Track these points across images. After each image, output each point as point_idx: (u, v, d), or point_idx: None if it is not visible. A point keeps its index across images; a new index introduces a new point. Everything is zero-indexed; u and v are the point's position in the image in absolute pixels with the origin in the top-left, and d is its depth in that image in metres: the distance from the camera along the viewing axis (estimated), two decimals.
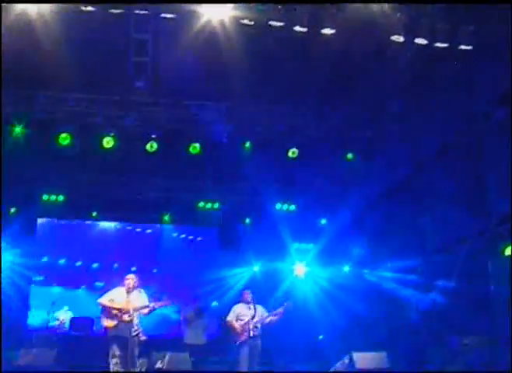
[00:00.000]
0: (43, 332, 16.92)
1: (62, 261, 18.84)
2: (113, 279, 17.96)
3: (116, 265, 19.11)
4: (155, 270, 19.40)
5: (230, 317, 12.57)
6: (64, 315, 17.08)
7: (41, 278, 18.85)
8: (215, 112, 14.32)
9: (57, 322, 16.64)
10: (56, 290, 18.73)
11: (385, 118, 14.36)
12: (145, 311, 11.36)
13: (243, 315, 12.40)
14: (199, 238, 19.46)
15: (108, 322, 11.22)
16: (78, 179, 16.31)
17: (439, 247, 14.25)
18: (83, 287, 18.81)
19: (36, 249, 18.42)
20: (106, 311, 11.31)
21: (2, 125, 13.51)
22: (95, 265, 19.15)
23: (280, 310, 12.40)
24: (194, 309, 14.09)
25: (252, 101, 13.90)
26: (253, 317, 12.32)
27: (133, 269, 18.90)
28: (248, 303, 12.60)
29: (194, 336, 13.58)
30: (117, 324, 11.12)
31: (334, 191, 16.11)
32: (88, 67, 12.49)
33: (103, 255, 19.16)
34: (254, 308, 12.47)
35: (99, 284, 18.84)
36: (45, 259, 18.76)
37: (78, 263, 19.00)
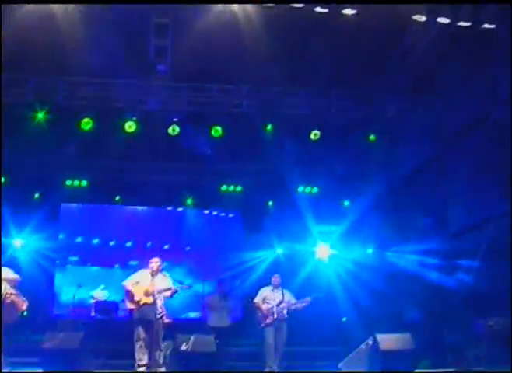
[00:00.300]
0: (69, 316, 17.10)
1: (96, 241, 18.93)
2: (147, 257, 18.13)
3: (149, 243, 19.14)
4: (188, 248, 19.40)
5: (257, 299, 12.64)
6: (100, 294, 17.21)
7: (76, 258, 19.00)
8: (237, 94, 14.29)
9: (93, 301, 16.77)
10: (91, 269, 18.88)
11: (407, 98, 14.25)
12: (168, 293, 11.43)
13: (270, 299, 12.46)
14: (222, 222, 19.43)
15: (133, 305, 11.30)
16: (101, 164, 16.37)
17: (464, 228, 14.16)
18: (117, 265, 18.88)
19: (63, 233, 18.59)
20: (131, 294, 11.39)
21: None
22: (128, 244, 19.18)
23: (308, 299, 12.44)
24: (218, 292, 14.12)
25: (273, 83, 13.84)
26: (280, 302, 12.36)
27: (166, 247, 19.01)
28: (276, 287, 12.66)
29: (219, 318, 13.61)
30: (142, 307, 11.19)
31: (356, 173, 16.03)
32: (109, 52, 12.53)
33: (135, 234, 19.18)
34: (282, 293, 12.53)
35: (133, 262, 18.93)
36: (79, 239, 18.85)
37: (112, 243, 19.07)
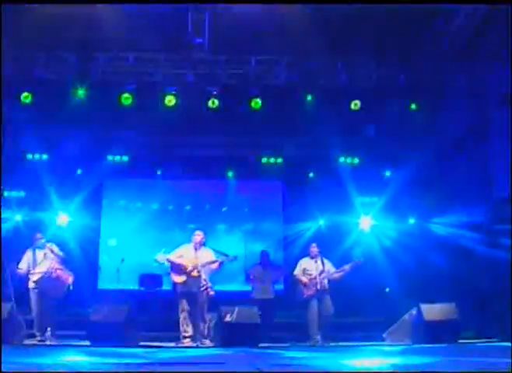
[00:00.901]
0: (114, 290, 17.35)
1: (155, 206, 19.10)
2: (206, 220, 18.29)
3: (207, 206, 19.26)
4: (246, 209, 19.47)
5: (297, 271, 12.63)
6: (162, 257, 17.37)
7: (135, 224, 19.24)
8: (276, 66, 14.21)
9: (156, 265, 16.97)
10: (151, 233, 19.13)
11: (449, 65, 14.01)
12: (214, 266, 11.52)
13: (310, 270, 12.44)
14: (263, 193, 19.43)
15: (177, 278, 11.44)
16: (142, 139, 16.47)
17: (508, 197, 13.92)
18: (176, 229, 19.05)
19: (104, 209, 18.81)
20: (176, 267, 11.51)
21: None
22: (187, 207, 19.33)
23: (346, 267, 12.36)
24: (261, 264, 14.16)
25: (312, 53, 13.71)
26: (321, 272, 12.33)
27: (224, 209, 19.10)
28: (315, 257, 12.61)
29: (262, 290, 13.67)
30: (186, 280, 11.33)
31: (397, 142, 15.86)
32: (146, 26, 12.51)
33: (192, 198, 19.28)
34: (322, 263, 12.48)
35: (191, 225, 19.10)
36: (139, 204, 19.06)
37: (170, 207, 19.23)
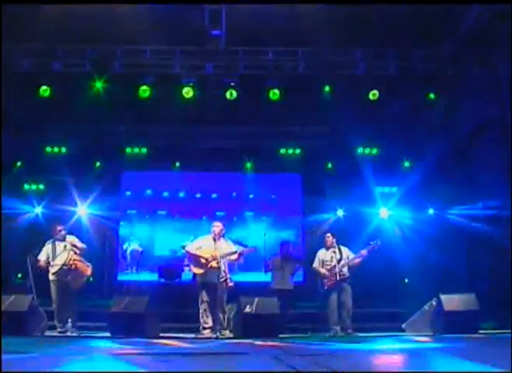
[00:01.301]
0: (134, 281, 17.50)
1: (182, 194, 19.20)
2: (233, 207, 18.36)
3: (234, 194, 19.31)
4: (273, 196, 19.50)
5: (316, 264, 12.59)
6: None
7: (164, 212, 19.36)
8: (293, 57, 14.17)
9: (183, 252, 17.15)
10: (179, 222, 19.30)
11: (468, 55, 13.90)
12: (234, 257, 11.53)
13: (328, 260, 12.38)
14: (281, 185, 19.45)
15: (197, 270, 11.47)
16: (160, 131, 16.52)
17: None
18: (205, 217, 19.15)
19: (126, 201, 18.96)
20: (195, 258, 11.53)
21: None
22: (214, 195, 19.40)
23: (363, 251, 12.27)
24: (281, 254, 14.15)
25: (330, 43, 13.65)
26: (339, 261, 12.28)
27: (251, 196, 19.15)
28: (331, 247, 12.54)
29: (281, 281, 13.67)
30: (206, 271, 11.34)
31: (416, 132, 15.78)
32: (164, 18, 12.51)
33: (219, 186, 19.36)
34: (340, 252, 12.42)
35: (219, 213, 19.19)
36: (166, 194, 19.16)
37: (198, 195, 19.32)
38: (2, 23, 11.84)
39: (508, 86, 12.96)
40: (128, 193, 19.24)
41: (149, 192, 19.17)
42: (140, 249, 19.59)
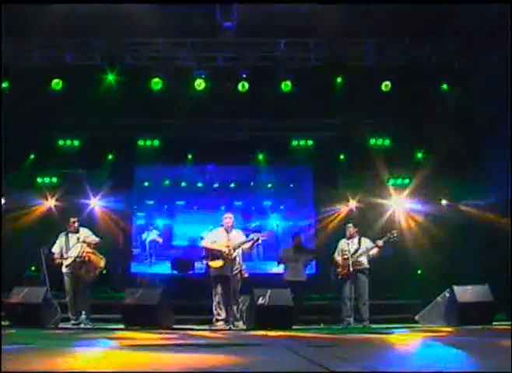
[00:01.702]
0: (147, 274, 17.58)
1: (200, 184, 19.23)
2: (251, 197, 18.39)
3: (252, 183, 19.31)
4: (291, 185, 19.51)
5: (336, 253, 12.58)
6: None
7: (182, 202, 19.42)
8: (305, 48, 14.13)
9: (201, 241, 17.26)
10: (197, 213, 19.39)
11: (480, 45, 13.81)
12: (248, 245, 11.54)
13: (346, 250, 12.36)
14: (293, 177, 19.46)
15: (216, 263, 11.43)
16: (172, 123, 16.53)
17: None
18: (223, 207, 19.20)
19: (144, 191, 19.07)
20: (212, 253, 11.51)
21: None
22: (232, 185, 19.41)
23: (379, 242, 12.22)
24: (293, 246, 14.16)
25: (341, 35, 13.59)
26: (355, 251, 12.27)
27: (269, 185, 19.17)
28: (351, 237, 12.54)
29: (294, 272, 13.68)
30: (224, 263, 11.32)
31: (429, 124, 15.69)
32: (175, 10, 12.49)
33: (236, 176, 19.40)
34: (359, 242, 12.40)
35: (237, 203, 19.22)
36: (183, 184, 19.21)
37: (216, 185, 19.34)
38: (12, 18, 11.87)
39: None
40: (146, 183, 19.33)
41: (166, 182, 19.22)
42: (160, 240, 19.68)
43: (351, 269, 12.02)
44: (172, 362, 5.18)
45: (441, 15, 12.73)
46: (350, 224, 12.76)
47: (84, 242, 11.81)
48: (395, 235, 12.20)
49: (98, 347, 7.04)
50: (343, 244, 12.52)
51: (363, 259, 12.24)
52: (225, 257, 11.31)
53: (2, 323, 10.62)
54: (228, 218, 11.72)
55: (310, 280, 14.40)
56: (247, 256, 12.11)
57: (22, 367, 4.16)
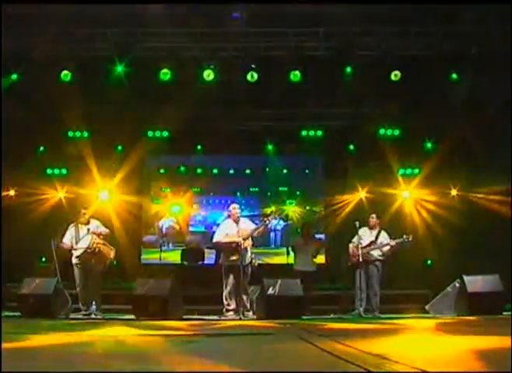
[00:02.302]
0: (158, 264, 17.63)
1: (215, 170, 19.26)
2: (266, 184, 18.40)
3: (267, 169, 19.30)
4: (307, 171, 19.50)
5: (354, 239, 12.55)
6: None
7: (198, 189, 19.47)
8: (314, 38, 14.06)
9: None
10: (213, 198, 19.46)
11: (491, 35, 13.70)
12: (260, 230, 11.56)
13: (364, 239, 12.37)
14: (304, 167, 19.42)
15: (233, 256, 11.40)
16: (181, 114, 16.51)
17: None
18: (239, 193, 19.23)
19: (160, 178, 19.19)
20: (227, 246, 11.51)
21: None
22: (248, 171, 19.40)
23: (392, 243, 12.19)
24: (303, 235, 14.17)
25: (351, 24, 13.51)
26: (370, 243, 12.27)
27: (284, 171, 19.17)
28: (373, 228, 12.55)
29: (303, 262, 13.70)
30: (240, 254, 11.31)
31: (439, 113, 15.62)
32: (184, 1, 12.47)
33: (251, 160, 19.41)
34: (377, 235, 12.41)
35: (253, 189, 19.26)
36: (199, 170, 19.24)
37: (231, 171, 19.36)
38: (22, 9, 11.87)
39: None
40: (162, 170, 19.37)
41: (182, 169, 19.25)
42: (177, 226, 19.71)
43: (360, 259, 12.02)
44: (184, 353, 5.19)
45: (452, 3, 12.64)
46: (374, 215, 12.78)
47: (94, 233, 11.83)
48: (410, 239, 12.19)
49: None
50: (363, 232, 12.51)
51: (375, 253, 12.23)
52: (237, 248, 11.30)
53: (13, 314, 10.69)
54: (235, 209, 11.71)
55: (321, 270, 14.41)
56: (262, 242, 12.11)
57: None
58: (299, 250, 13.87)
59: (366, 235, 12.45)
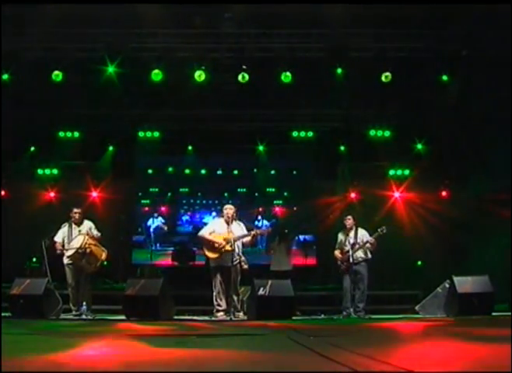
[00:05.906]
0: (148, 264, 17.64)
1: (203, 171, 19.28)
2: (254, 185, 18.43)
3: (255, 170, 19.32)
4: (295, 172, 19.54)
5: (336, 246, 12.58)
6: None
7: (186, 190, 19.50)
8: (306, 39, 14.08)
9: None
10: (201, 199, 19.49)
11: (482, 38, 13.76)
12: (248, 239, 11.56)
13: (345, 243, 12.37)
14: (292, 168, 19.47)
15: (211, 254, 11.47)
16: (173, 115, 16.54)
17: None
18: (226, 194, 19.25)
19: (148, 179, 19.17)
20: (208, 243, 11.54)
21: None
22: (235, 172, 19.43)
23: (371, 240, 12.18)
24: (275, 235, 14.23)
25: (341, 25, 13.53)
26: (353, 245, 12.27)
27: (272, 172, 19.21)
28: (350, 230, 12.52)
29: (278, 262, 13.80)
30: (220, 255, 11.35)
31: (429, 114, 15.69)
32: (175, 1, 12.48)
33: (240, 161, 19.44)
34: (355, 235, 12.39)
35: (241, 190, 19.28)
36: (187, 171, 19.25)
37: (219, 172, 19.38)
38: (13, 9, 11.86)
39: None
40: (150, 170, 19.40)
41: (170, 169, 19.29)
42: (165, 227, 19.74)
43: (351, 261, 12.03)
44: (172, 354, 5.21)
45: (442, 5, 12.69)
46: (349, 216, 12.73)
47: (87, 234, 11.83)
48: (384, 230, 12.15)
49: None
50: (341, 237, 12.53)
51: (359, 253, 12.24)
52: (222, 248, 11.32)
53: (3, 314, 10.67)
54: (229, 209, 11.69)
55: (311, 271, 14.46)
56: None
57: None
58: (274, 251, 13.98)
59: (345, 239, 12.44)
